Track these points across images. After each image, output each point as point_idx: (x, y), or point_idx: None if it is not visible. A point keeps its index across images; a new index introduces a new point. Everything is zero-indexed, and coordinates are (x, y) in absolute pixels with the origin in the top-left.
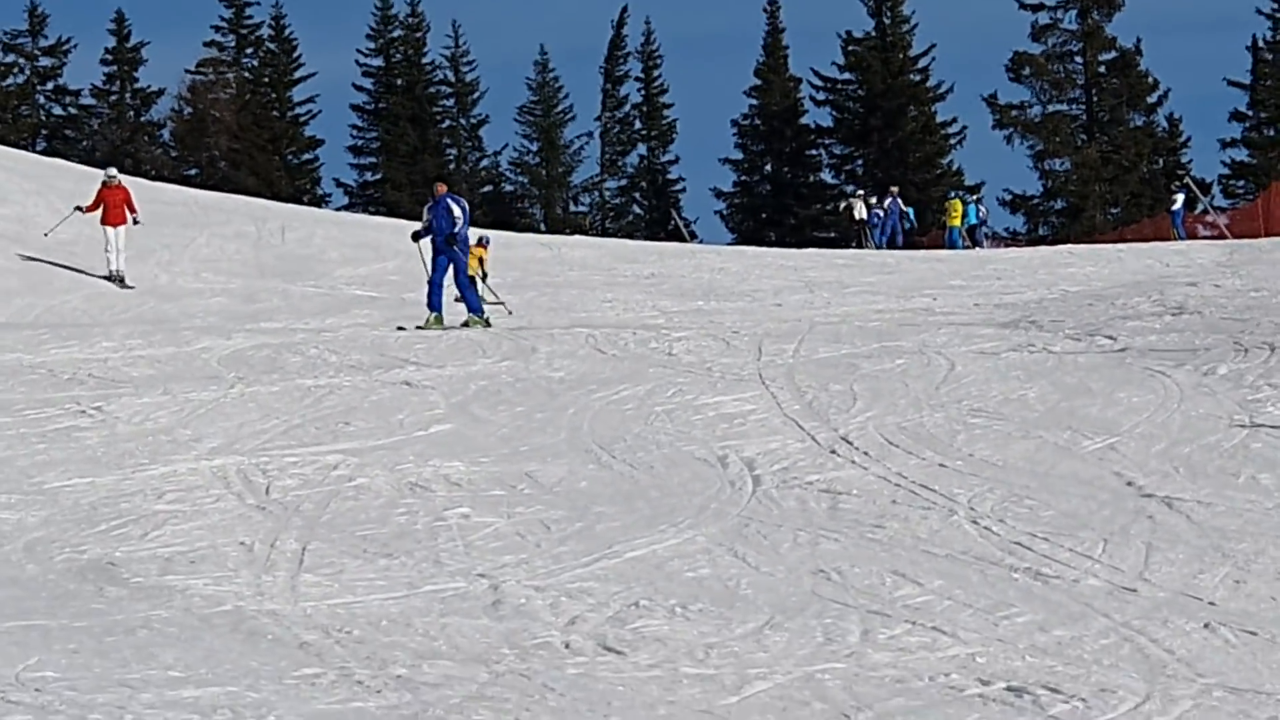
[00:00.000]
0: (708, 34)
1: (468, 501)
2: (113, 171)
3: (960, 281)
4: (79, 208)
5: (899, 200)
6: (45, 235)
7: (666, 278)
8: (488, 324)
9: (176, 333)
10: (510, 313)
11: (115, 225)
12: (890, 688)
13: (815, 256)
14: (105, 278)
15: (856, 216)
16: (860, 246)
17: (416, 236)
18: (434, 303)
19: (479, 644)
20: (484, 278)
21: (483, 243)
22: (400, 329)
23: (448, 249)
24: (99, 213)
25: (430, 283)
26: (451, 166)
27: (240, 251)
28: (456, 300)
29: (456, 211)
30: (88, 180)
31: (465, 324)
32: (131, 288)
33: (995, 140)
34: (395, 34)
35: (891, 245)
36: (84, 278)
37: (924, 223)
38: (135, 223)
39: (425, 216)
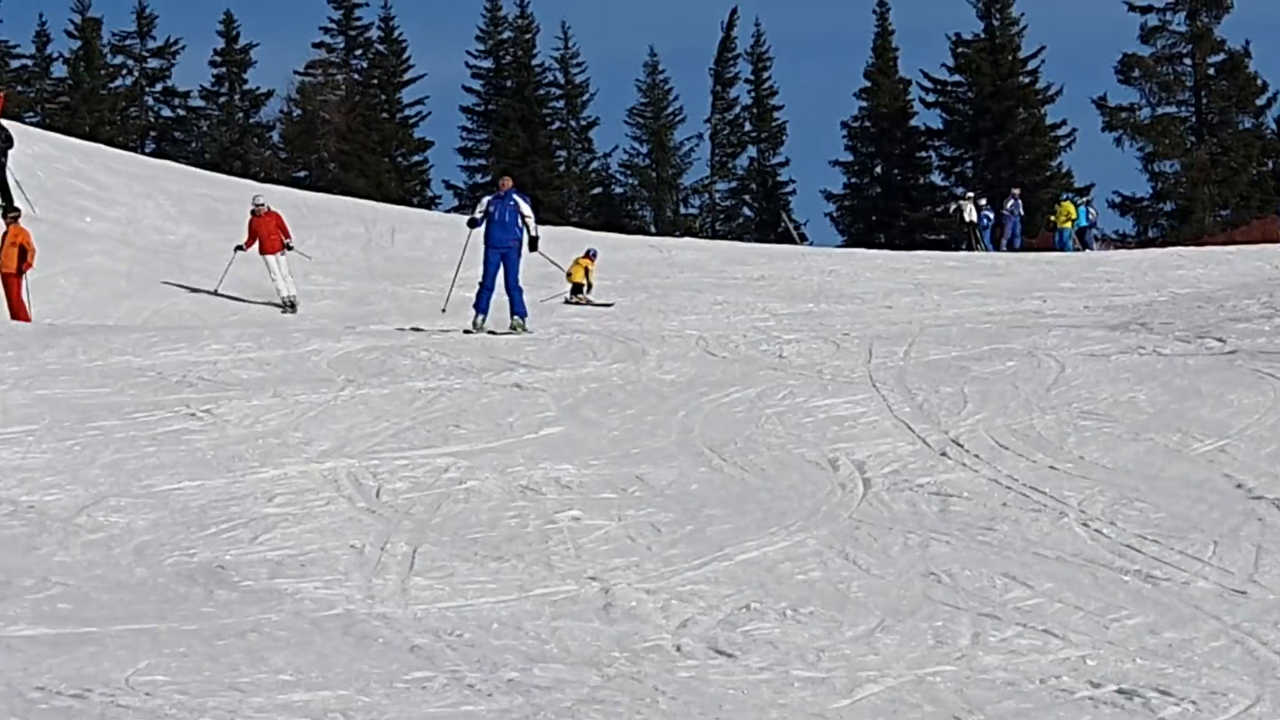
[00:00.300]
0: (817, 35)
1: (579, 504)
2: (260, 199)
3: (1070, 284)
4: (238, 248)
5: (1020, 202)
6: (216, 292)
7: (776, 280)
8: (527, 330)
9: (286, 335)
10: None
11: (272, 253)
12: (1001, 690)
13: (925, 259)
14: (278, 306)
15: (966, 219)
16: (970, 249)
17: (473, 224)
18: (482, 304)
19: (590, 647)
20: (589, 289)
21: (590, 254)
22: (467, 331)
23: (506, 248)
24: (256, 245)
25: (481, 285)
26: (561, 168)
27: (350, 254)
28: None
29: (526, 210)
30: (196, 182)
31: (511, 328)
32: (294, 311)
33: (1105, 142)
34: (505, 35)
35: (1010, 247)
36: (194, 277)
37: (1033, 225)
38: (288, 248)
39: (484, 207)
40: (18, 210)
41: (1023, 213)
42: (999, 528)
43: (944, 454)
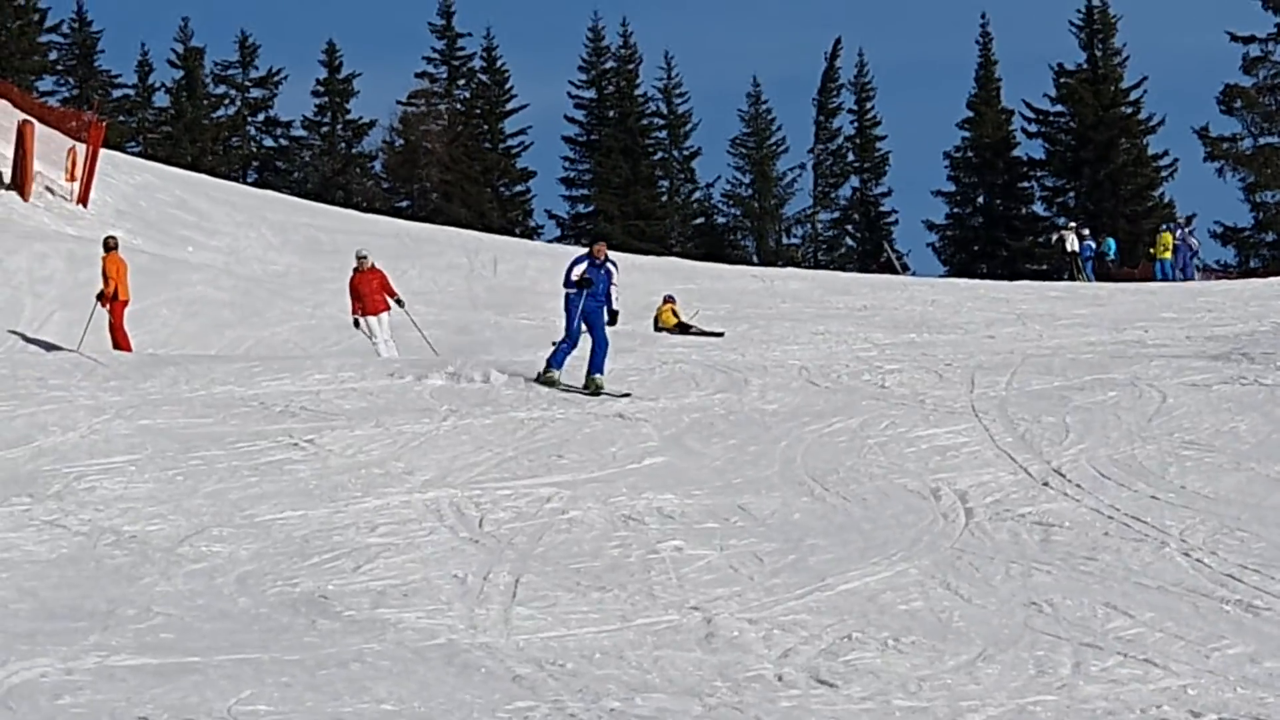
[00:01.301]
0: (920, 64)
1: (681, 534)
2: (364, 253)
3: (1171, 314)
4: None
5: (1188, 231)
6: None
7: (879, 310)
8: (597, 391)
9: (388, 365)
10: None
11: (375, 314)
12: (1103, 719)
13: (1027, 289)
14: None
15: (1068, 249)
16: (1072, 279)
17: (585, 284)
18: (558, 361)
19: (692, 676)
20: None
21: (668, 299)
22: (624, 395)
23: (592, 311)
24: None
25: (562, 344)
26: (664, 198)
27: (453, 283)
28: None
29: (617, 280)
30: (298, 212)
31: (585, 387)
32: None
33: (1207, 172)
34: (608, 65)
35: (1185, 276)
36: (296, 307)
37: (1134, 255)
38: (399, 303)
39: (582, 272)
40: (114, 239)
41: (1195, 245)
42: (1101, 557)
43: (1046, 484)
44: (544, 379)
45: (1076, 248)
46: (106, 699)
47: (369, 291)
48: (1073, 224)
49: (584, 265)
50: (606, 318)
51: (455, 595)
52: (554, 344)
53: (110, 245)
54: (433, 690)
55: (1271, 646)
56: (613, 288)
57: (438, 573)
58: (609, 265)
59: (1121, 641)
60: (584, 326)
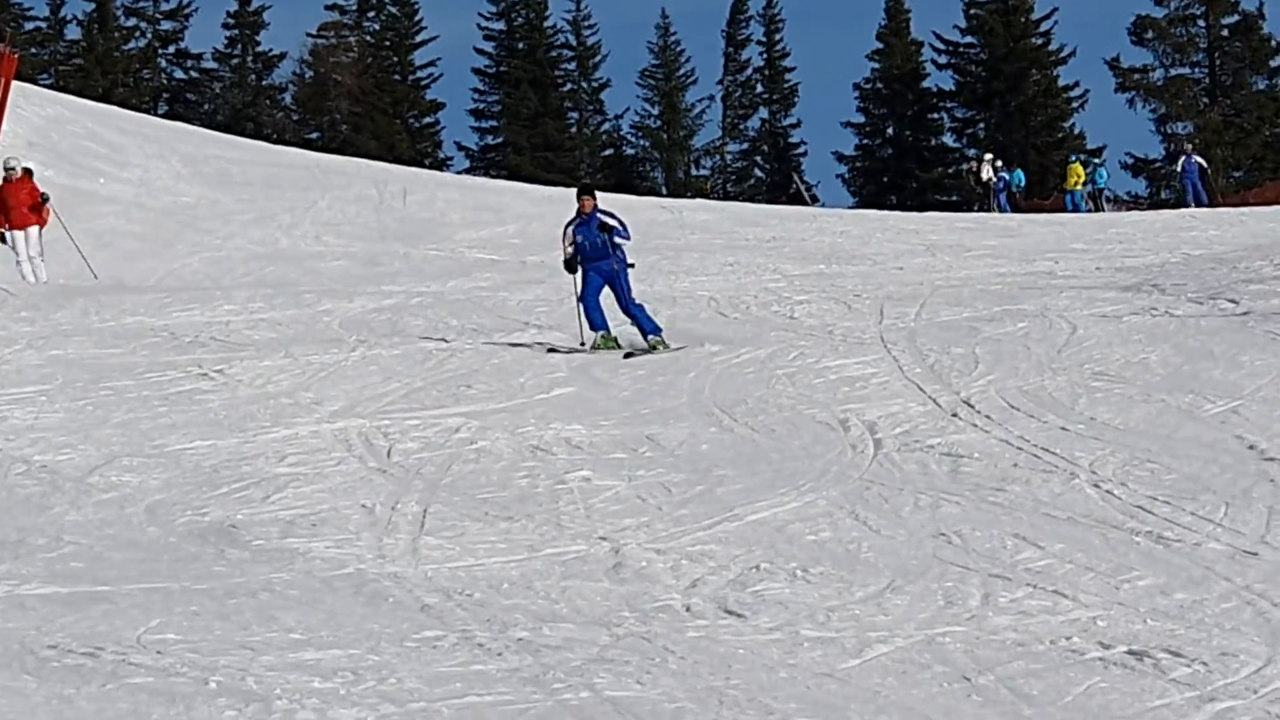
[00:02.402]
0: None
1: (589, 464)
2: (12, 163)
3: (1082, 245)
4: (1, 235)
5: (1194, 158)
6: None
7: (788, 241)
8: (667, 345)
9: (298, 296)
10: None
11: (21, 228)
12: (1011, 651)
13: (937, 220)
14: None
15: (984, 178)
16: (985, 209)
17: (572, 267)
18: (596, 322)
19: (600, 607)
20: None
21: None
22: (552, 350)
23: (607, 273)
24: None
25: (584, 304)
26: (573, 130)
27: (361, 215)
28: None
29: (613, 223)
30: (209, 144)
31: (650, 348)
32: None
33: (1117, 104)
34: None
35: (1198, 203)
36: (206, 238)
37: (1045, 186)
38: (42, 218)
39: (570, 238)
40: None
41: (1202, 165)
42: (1010, 489)
43: (955, 415)
44: (596, 346)
45: (992, 176)
46: (16, 627)
47: (16, 204)
48: (988, 154)
49: (570, 229)
50: (623, 267)
51: (363, 525)
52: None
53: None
54: (341, 619)
55: (1182, 578)
56: (619, 240)
57: (346, 503)
58: (602, 216)
59: (1031, 573)
60: (608, 289)
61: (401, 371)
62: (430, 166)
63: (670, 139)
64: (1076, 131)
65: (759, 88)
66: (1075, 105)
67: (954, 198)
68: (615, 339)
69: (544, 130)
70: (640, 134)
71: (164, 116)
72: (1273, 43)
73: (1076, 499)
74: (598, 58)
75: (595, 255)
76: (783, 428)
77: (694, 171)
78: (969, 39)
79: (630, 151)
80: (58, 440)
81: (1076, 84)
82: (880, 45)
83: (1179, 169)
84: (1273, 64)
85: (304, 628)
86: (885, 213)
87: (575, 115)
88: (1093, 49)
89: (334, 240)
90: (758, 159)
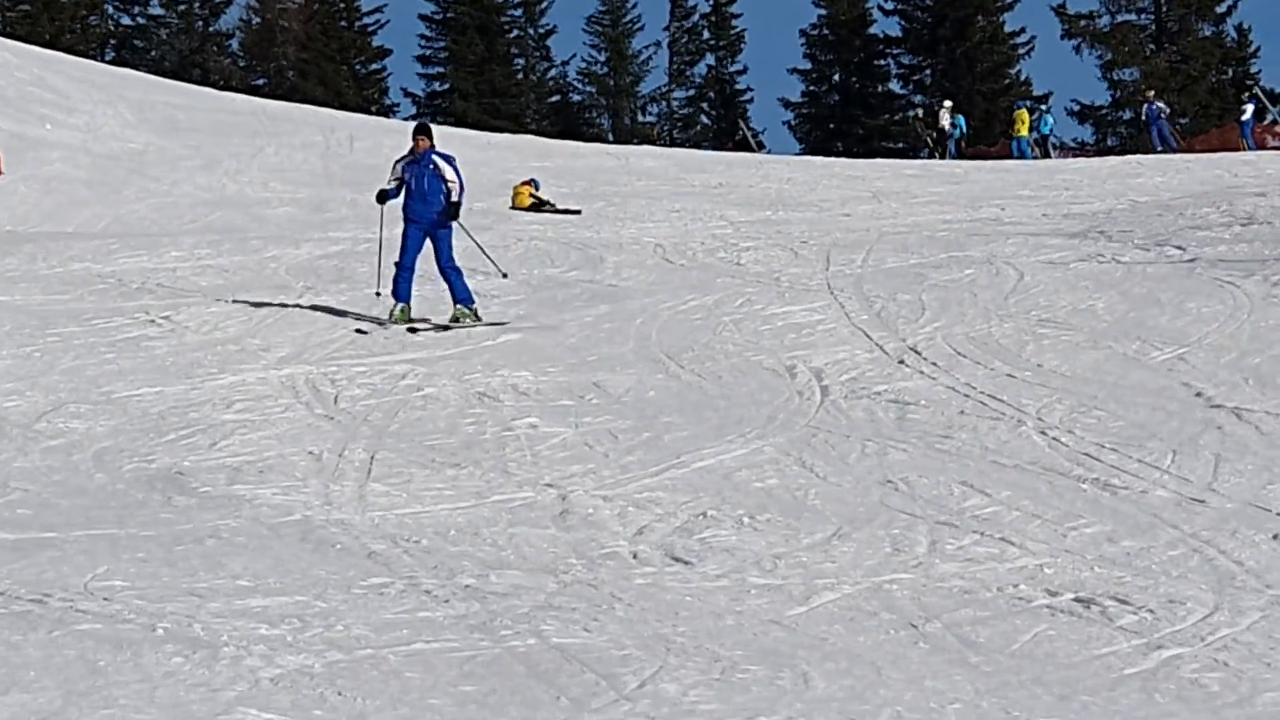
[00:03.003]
0: None
1: (535, 411)
2: None
3: (1029, 192)
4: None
5: (1156, 104)
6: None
7: (734, 188)
8: (477, 317)
9: (245, 242)
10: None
11: None
12: (958, 598)
13: (883, 166)
14: None
15: (942, 125)
16: (942, 156)
17: (383, 197)
18: (401, 291)
19: (547, 554)
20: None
21: (531, 183)
22: (359, 331)
23: (428, 222)
24: None
25: (398, 265)
26: (519, 76)
27: (308, 161)
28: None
29: (450, 174)
30: (156, 90)
31: (453, 319)
32: None
33: (1064, 50)
34: None
35: (1168, 149)
36: (153, 185)
37: (991, 133)
38: None
39: (397, 173)
40: None
41: (1168, 112)
42: (956, 436)
43: (902, 362)
44: (394, 319)
45: (948, 124)
46: None
47: None
48: (947, 102)
49: (399, 164)
50: (445, 218)
51: (310, 472)
52: (395, 265)
53: None
54: (288, 565)
55: (1129, 526)
56: (448, 183)
57: (293, 449)
58: (435, 158)
59: (978, 520)
60: (428, 244)
61: (348, 318)
62: (377, 113)
63: (617, 85)
64: (1023, 78)
65: (705, 34)
66: (1021, 52)
67: (899, 145)
68: (409, 315)
69: (490, 77)
70: (587, 80)
71: (111, 63)
72: None
73: (1023, 446)
74: (544, 4)
75: (419, 202)
76: (729, 374)
77: (640, 118)
78: None
79: (577, 98)
80: (5, 387)
81: (1023, 30)
82: None
83: (1143, 116)
84: (1219, 9)
85: (251, 574)
86: (831, 159)
87: (522, 61)
88: None
89: (281, 187)
90: (704, 105)
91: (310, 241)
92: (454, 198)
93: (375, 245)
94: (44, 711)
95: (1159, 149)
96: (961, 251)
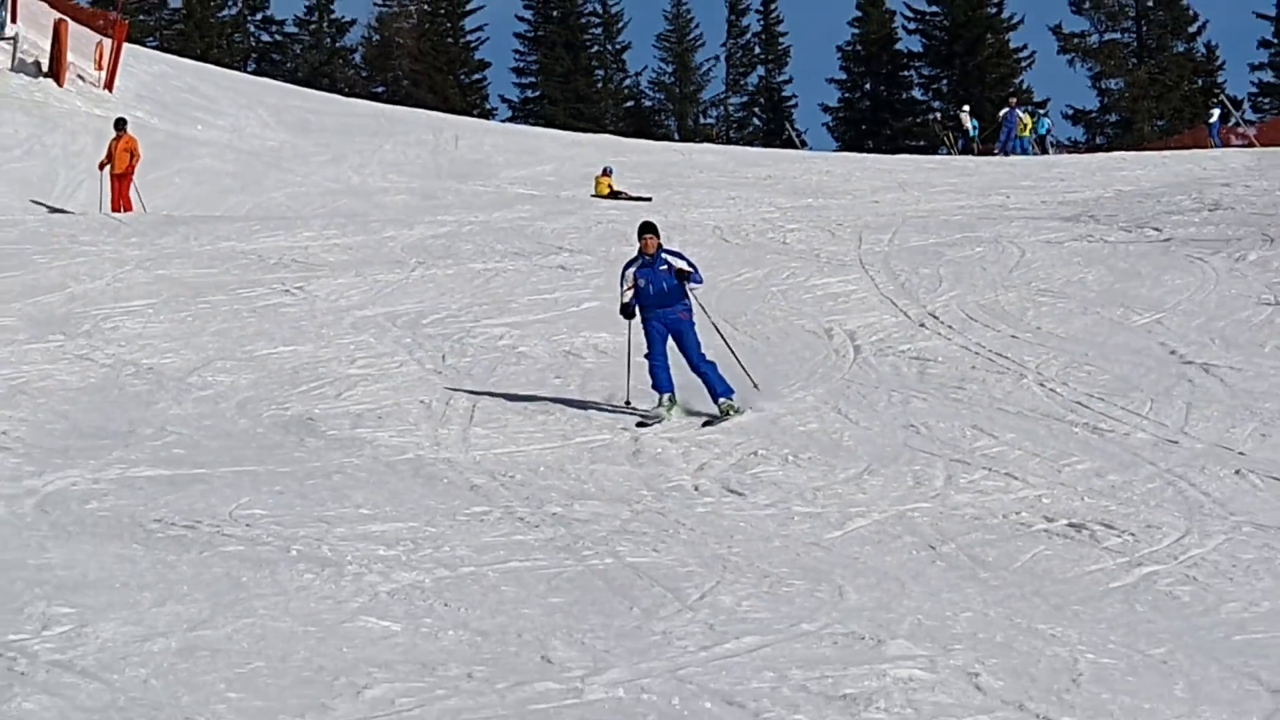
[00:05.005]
0: None
1: (612, 366)
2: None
3: (1030, 182)
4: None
5: (1015, 111)
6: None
7: (780, 179)
8: (738, 411)
9: (366, 224)
10: (649, 199)
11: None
12: (970, 524)
13: (907, 161)
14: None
15: (965, 127)
16: (963, 153)
17: (629, 312)
18: (661, 382)
19: (622, 486)
20: (619, 194)
21: (606, 171)
22: (641, 424)
23: (675, 322)
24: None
25: (649, 358)
26: (599, 85)
27: (420, 157)
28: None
29: (684, 265)
30: (291, 96)
31: (722, 414)
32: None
33: (1059, 63)
34: None
35: (1006, 151)
36: (289, 176)
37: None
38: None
39: (630, 281)
40: (124, 120)
41: (1020, 118)
42: (968, 387)
43: (922, 325)
44: (662, 411)
45: (970, 127)
46: (128, 504)
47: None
48: (966, 107)
49: (630, 271)
50: (691, 302)
51: (422, 417)
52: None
53: (119, 125)
54: (402, 497)
55: (1114, 463)
56: (685, 274)
57: (407, 399)
58: (668, 257)
59: (986, 458)
60: (672, 340)
61: (454, 288)
62: (478, 116)
63: (682, 93)
64: (1025, 87)
65: (757, 49)
66: (1024, 65)
67: (921, 143)
68: (676, 403)
69: (575, 85)
70: (656, 88)
71: (252, 73)
72: (1190, 12)
73: (1025, 396)
74: (621, 23)
75: (660, 302)
76: (776, 336)
77: (701, 120)
78: (934, 8)
79: (648, 103)
80: (162, 346)
81: (1025, 47)
82: (859, 14)
83: (1000, 117)
84: (1190, 30)
85: (371, 504)
86: (863, 155)
87: (601, 72)
88: (1039, 17)
89: (397, 178)
90: (755, 110)
91: (421, 224)
92: (698, 278)
93: (624, 352)
94: (195, 619)
95: (999, 152)
96: (973, 232)
